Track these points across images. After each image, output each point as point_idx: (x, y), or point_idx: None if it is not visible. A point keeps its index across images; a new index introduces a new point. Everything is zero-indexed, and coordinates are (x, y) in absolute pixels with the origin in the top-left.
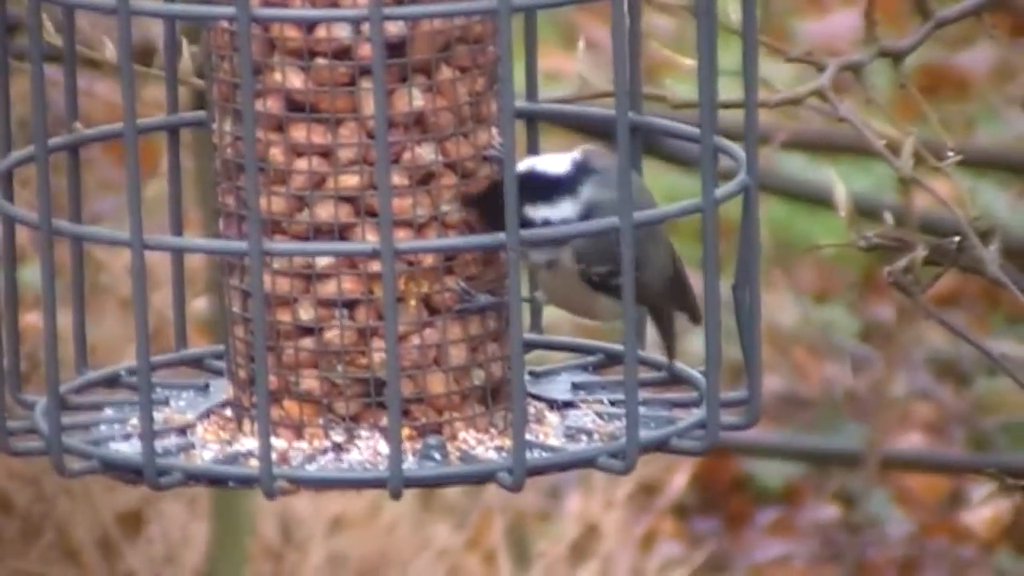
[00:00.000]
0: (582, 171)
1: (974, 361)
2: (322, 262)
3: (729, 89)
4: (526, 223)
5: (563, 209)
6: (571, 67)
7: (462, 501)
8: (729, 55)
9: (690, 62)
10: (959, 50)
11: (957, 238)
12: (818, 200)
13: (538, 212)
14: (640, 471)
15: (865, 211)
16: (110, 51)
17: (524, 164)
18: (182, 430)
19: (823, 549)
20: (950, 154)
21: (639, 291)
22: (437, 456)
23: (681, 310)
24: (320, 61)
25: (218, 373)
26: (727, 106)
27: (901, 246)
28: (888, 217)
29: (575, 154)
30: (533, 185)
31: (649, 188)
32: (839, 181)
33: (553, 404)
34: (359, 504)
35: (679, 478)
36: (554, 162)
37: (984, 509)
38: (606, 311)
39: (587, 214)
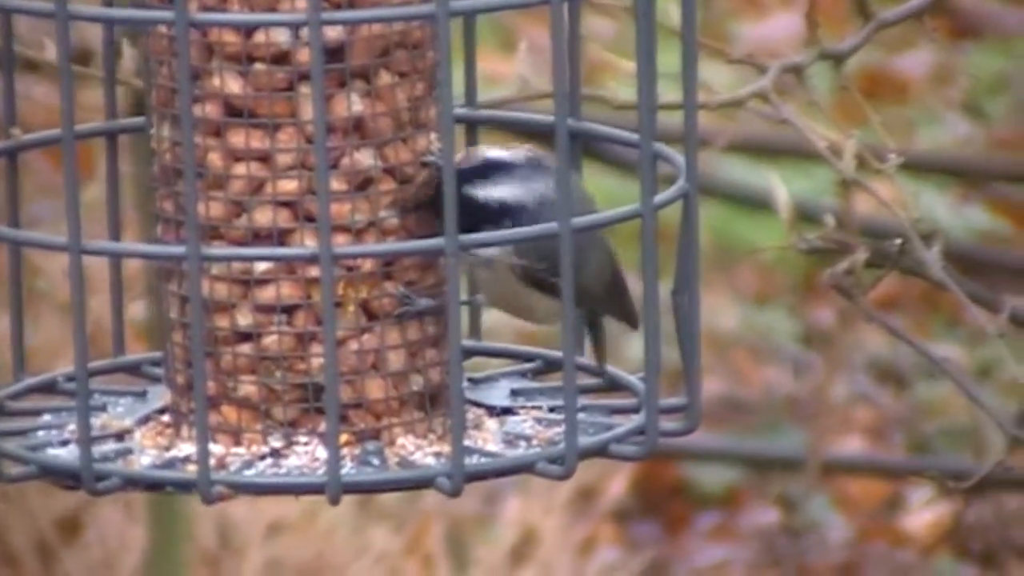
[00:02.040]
0: (535, 165)
1: (914, 365)
2: (260, 267)
3: (670, 91)
4: (477, 203)
5: (516, 191)
6: (510, 70)
7: (400, 506)
8: (670, 57)
9: (631, 65)
10: (899, 53)
11: (899, 240)
12: (758, 203)
13: (495, 191)
14: (579, 476)
15: (806, 215)
16: (49, 52)
17: (477, 154)
18: (120, 436)
19: (763, 554)
20: (892, 156)
21: (577, 293)
22: (375, 462)
23: (618, 316)
24: (259, 66)
25: (156, 380)
26: (667, 107)
27: (842, 249)
28: (829, 220)
29: (527, 151)
30: (487, 168)
31: (589, 191)
32: (781, 184)
33: (492, 410)
34: (296, 509)
35: (618, 483)
36: (509, 152)
37: (924, 513)
38: (545, 311)
39: (540, 204)
